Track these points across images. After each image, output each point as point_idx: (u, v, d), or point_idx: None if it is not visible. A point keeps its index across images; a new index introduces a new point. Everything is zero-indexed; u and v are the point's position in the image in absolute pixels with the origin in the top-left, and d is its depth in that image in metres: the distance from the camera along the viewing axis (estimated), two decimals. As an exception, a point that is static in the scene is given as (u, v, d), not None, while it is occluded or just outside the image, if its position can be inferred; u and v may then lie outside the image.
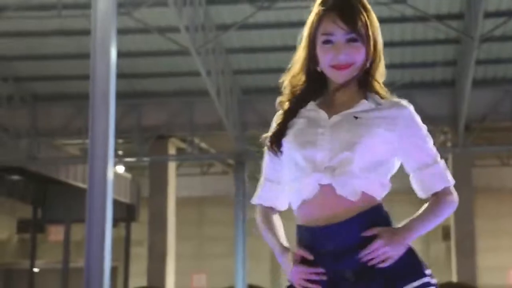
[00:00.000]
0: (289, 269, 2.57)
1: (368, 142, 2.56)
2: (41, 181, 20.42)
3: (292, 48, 2.77)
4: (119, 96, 7.31)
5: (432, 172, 2.66)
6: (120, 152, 20.18)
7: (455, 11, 14.23)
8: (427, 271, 2.55)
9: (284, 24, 14.29)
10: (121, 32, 8.48)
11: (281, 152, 2.66)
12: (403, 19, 13.96)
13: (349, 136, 2.55)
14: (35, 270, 23.21)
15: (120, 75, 7.36)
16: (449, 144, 17.85)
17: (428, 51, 15.83)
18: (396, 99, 2.66)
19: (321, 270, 2.52)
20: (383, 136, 2.58)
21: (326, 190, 2.54)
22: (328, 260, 2.53)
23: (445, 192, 2.66)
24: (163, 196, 19.30)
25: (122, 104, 15.25)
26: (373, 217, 2.56)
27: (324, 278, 2.52)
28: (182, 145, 19.73)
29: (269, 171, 2.77)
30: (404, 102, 2.66)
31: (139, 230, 22.89)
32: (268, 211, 2.78)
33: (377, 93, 2.66)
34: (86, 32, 7.13)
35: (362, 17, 2.58)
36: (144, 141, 18.01)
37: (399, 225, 2.57)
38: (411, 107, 2.65)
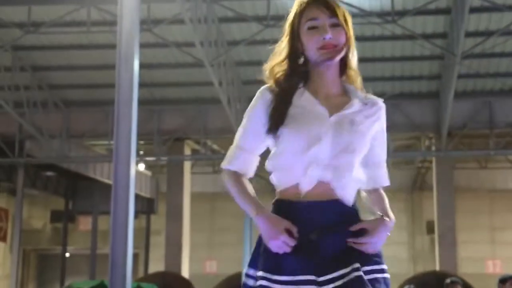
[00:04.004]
0: (269, 231, 2.45)
1: (363, 148, 2.54)
2: (72, 177, 20.42)
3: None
4: (141, 103, 7.29)
5: (384, 170, 2.67)
6: (141, 152, 20.17)
7: (439, 31, 14.18)
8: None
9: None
10: (143, 46, 8.48)
11: (277, 135, 2.56)
12: (393, 37, 13.90)
13: (349, 139, 2.49)
14: (67, 255, 23.24)
15: (142, 84, 7.35)
16: (433, 148, 17.77)
17: (415, 66, 15.77)
18: (374, 97, 2.64)
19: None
20: (371, 137, 2.57)
21: (324, 185, 2.47)
22: (306, 233, 2.45)
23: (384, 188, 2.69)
24: (179, 191, 19.25)
25: (144, 110, 15.23)
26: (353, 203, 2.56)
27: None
28: (197, 146, 19.70)
29: (246, 141, 2.67)
30: (381, 100, 2.65)
31: (158, 222, 22.89)
32: (239, 176, 2.65)
33: (354, 83, 2.61)
34: (112, 46, 7.12)
35: (340, 8, 2.55)
36: (163, 143, 18.00)
37: (378, 217, 2.51)
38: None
